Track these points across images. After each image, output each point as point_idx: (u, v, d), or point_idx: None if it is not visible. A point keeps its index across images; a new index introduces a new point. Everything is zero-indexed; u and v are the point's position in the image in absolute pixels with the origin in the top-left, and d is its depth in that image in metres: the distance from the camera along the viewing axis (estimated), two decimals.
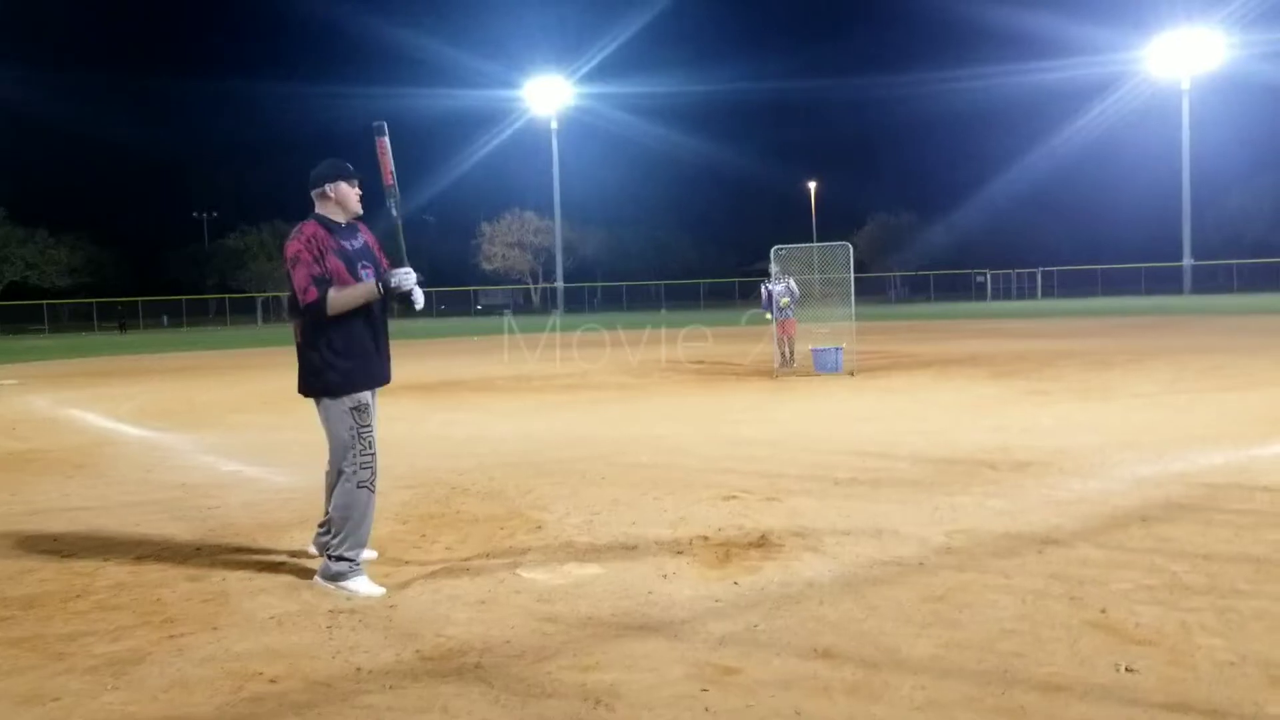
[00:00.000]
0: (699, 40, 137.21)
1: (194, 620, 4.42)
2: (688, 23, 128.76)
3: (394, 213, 4.94)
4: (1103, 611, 4.13)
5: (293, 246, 4.74)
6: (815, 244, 16.45)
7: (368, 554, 5.19)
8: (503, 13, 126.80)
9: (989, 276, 73.53)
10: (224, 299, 74.37)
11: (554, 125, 71.85)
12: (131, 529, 6.27)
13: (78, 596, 4.83)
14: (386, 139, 4.88)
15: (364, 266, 4.89)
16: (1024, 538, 5.33)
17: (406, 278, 4.74)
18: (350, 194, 4.94)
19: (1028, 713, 3.23)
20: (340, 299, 4.70)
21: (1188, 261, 65.02)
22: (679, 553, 5.26)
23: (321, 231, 4.80)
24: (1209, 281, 64.55)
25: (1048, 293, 70.67)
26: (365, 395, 4.96)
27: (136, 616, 4.49)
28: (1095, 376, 13.89)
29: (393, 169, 4.90)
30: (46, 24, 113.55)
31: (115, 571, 5.26)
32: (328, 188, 4.90)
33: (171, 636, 4.21)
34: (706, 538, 5.55)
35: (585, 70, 73.77)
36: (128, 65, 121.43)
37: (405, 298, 4.83)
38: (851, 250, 15.84)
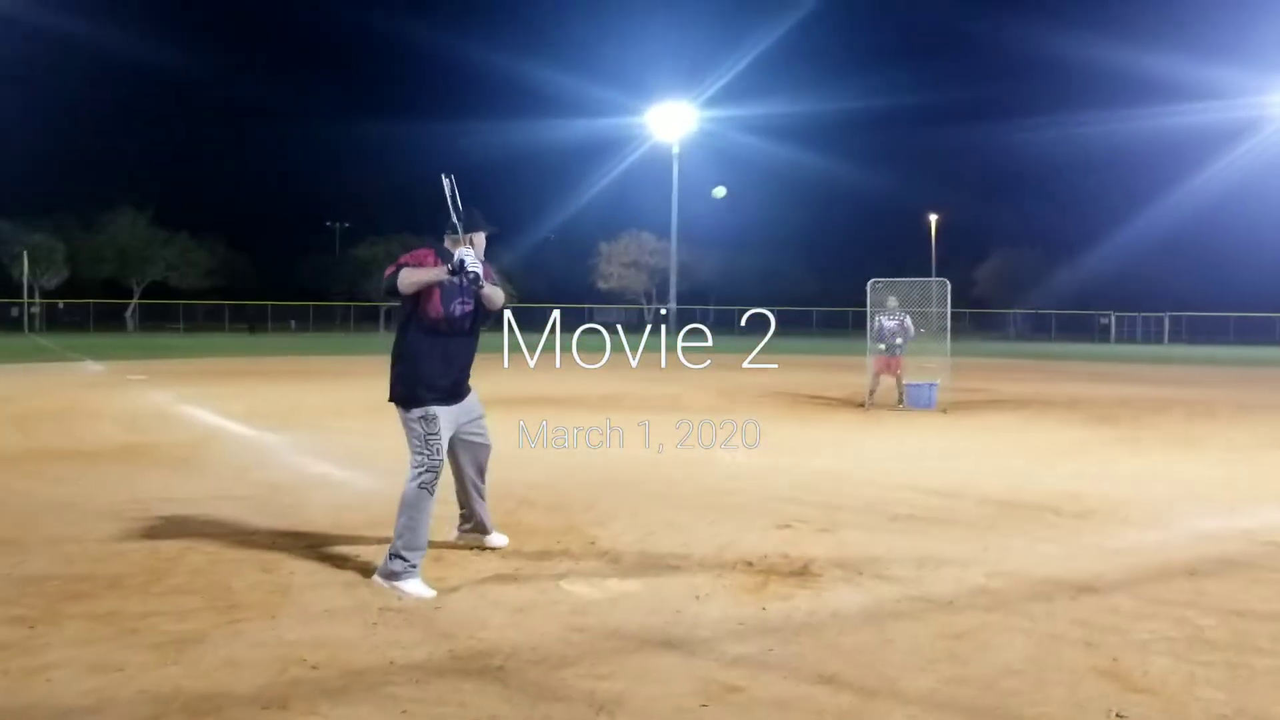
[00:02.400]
0: (825, 60, 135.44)
1: (256, 607, 4.80)
2: (814, 45, 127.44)
3: (458, 223, 5.36)
4: (1114, 660, 4.18)
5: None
6: (912, 279, 16.34)
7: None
8: (627, 43, 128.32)
9: (1114, 319, 71.27)
10: (349, 306, 77.00)
11: (675, 150, 72.29)
12: (219, 521, 6.74)
13: (158, 579, 5.27)
14: (447, 186, 5.34)
15: (461, 300, 5.36)
16: (1063, 584, 5.36)
17: (467, 254, 5.15)
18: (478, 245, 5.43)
19: None
20: (411, 272, 5.14)
21: None
22: (718, 576, 5.45)
23: (432, 256, 5.29)
24: None
25: (1175, 338, 68.11)
26: (433, 407, 5.33)
27: (206, 600, 4.90)
28: (1194, 427, 13.50)
29: (457, 206, 5.36)
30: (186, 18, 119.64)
31: (195, 559, 5.70)
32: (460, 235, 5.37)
33: (233, 621, 4.59)
34: (750, 563, 5.73)
35: (708, 94, 74.11)
36: (280, 91, 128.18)
37: (467, 272, 5.18)
38: (949, 286, 15.71)
